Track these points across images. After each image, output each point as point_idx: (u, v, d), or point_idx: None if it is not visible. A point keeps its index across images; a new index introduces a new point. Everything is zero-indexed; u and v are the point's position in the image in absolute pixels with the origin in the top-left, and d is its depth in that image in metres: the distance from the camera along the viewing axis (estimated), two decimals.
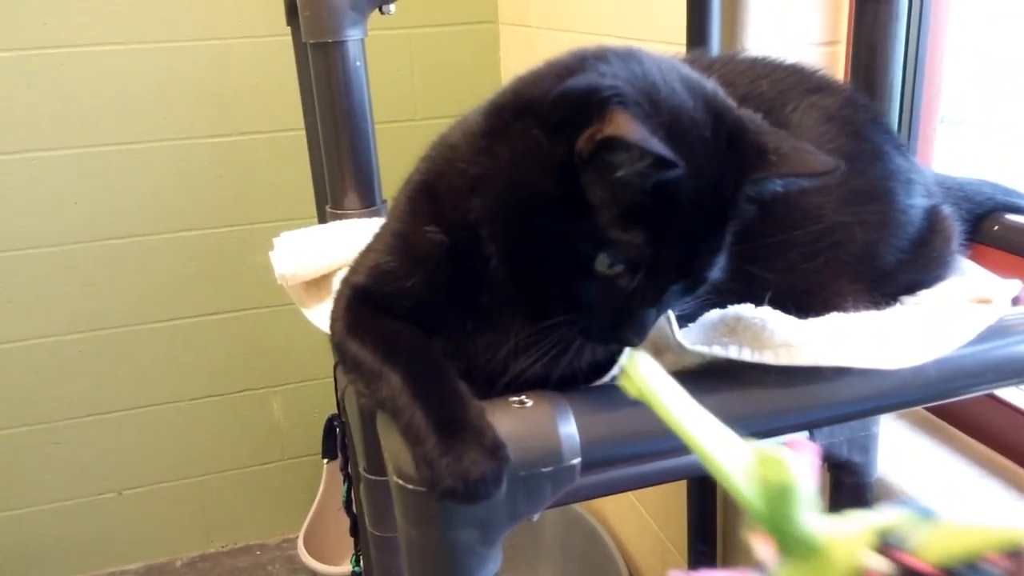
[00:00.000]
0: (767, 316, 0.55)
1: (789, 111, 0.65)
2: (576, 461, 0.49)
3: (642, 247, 0.46)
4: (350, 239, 0.76)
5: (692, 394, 0.49)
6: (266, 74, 1.82)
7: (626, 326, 0.49)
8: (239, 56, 1.81)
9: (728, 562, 1.33)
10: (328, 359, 1.77)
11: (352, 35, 0.82)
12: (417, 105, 1.93)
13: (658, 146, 0.43)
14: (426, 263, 0.54)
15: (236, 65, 1.81)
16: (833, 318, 0.56)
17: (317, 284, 0.74)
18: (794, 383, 0.52)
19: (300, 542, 1.85)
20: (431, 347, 0.53)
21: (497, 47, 1.97)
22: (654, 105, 0.47)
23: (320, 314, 0.70)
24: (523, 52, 1.86)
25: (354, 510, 1.19)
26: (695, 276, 0.50)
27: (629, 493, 1.61)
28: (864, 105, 0.70)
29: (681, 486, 1.37)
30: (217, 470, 2.04)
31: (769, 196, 0.52)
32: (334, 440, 1.22)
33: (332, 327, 0.57)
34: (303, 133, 1.91)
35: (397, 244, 0.56)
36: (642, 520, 1.61)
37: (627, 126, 0.43)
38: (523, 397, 0.50)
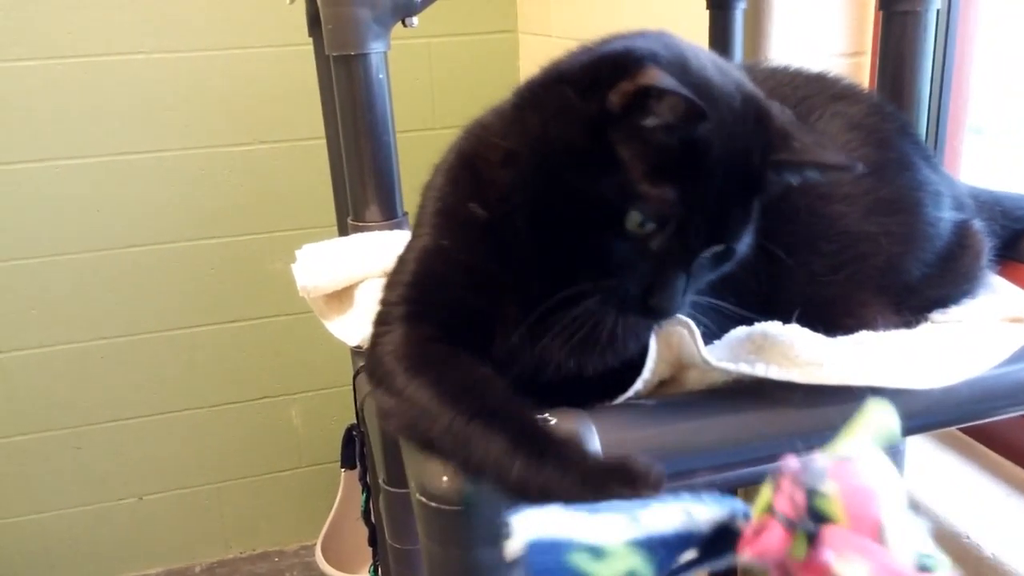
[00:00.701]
0: (794, 334, 0.54)
1: (813, 119, 0.64)
2: None
3: (673, 203, 0.46)
4: (372, 251, 0.76)
5: (717, 412, 0.48)
6: (288, 83, 1.84)
7: (657, 291, 0.48)
8: (261, 65, 1.82)
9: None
10: (347, 368, 1.76)
11: (375, 48, 0.82)
12: (436, 114, 1.94)
13: (688, 93, 0.44)
14: (470, 239, 0.54)
15: (258, 74, 1.83)
16: (862, 336, 0.55)
17: (338, 296, 0.74)
18: (822, 402, 0.51)
19: (318, 550, 1.86)
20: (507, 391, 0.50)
21: (517, 56, 1.98)
22: (685, 72, 0.48)
23: (341, 326, 0.70)
24: (543, 62, 1.86)
25: (372, 520, 1.19)
26: (725, 242, 0.50)
27: None
28: (891, 114, 0.69)
29: None
30: (236, 477, 2.05)
31: (783, 190, 0.52)
32: (353, 449, 1.21)
33: (381, 357, 0.54)
34: (324, 142, 1.93)
35: (442, 223, 0.56)
36: None
37: (660, 76, 0.44)
38: (547, 415, 0.50)
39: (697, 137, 0.46)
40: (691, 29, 1.20)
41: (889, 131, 0.66)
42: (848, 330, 0.59)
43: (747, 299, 0.56)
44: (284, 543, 2.11)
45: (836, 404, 0.51)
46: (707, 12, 1.13)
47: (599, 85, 0.47)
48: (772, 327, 0.55)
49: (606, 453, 0.48)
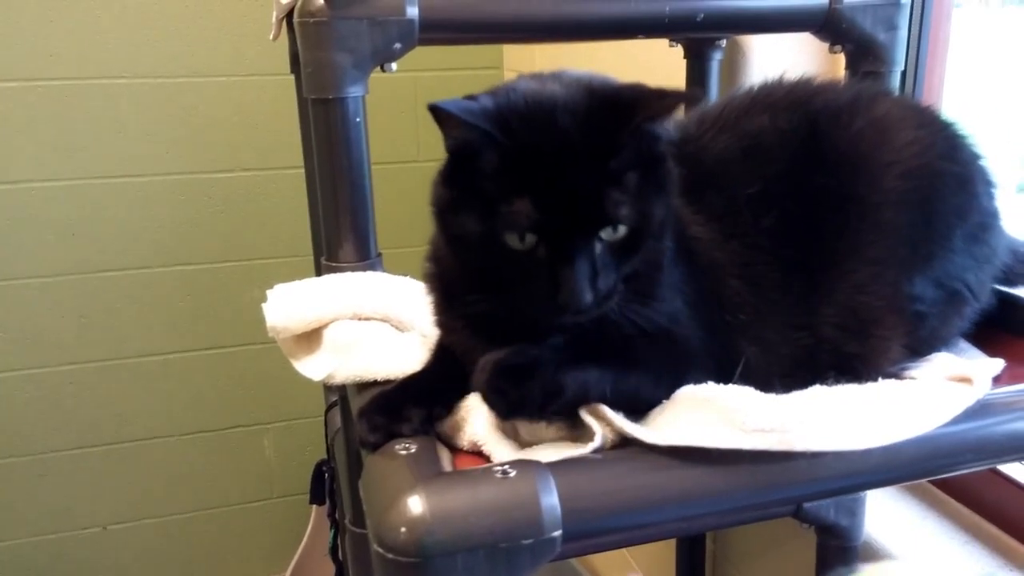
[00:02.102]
0: (742, 397, 0.55)
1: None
2: (557, 533, 0.49)
3: (531, 211, 0.52)
4: (344, 293, 0.76)
5: (673, 467, 0.50)
6: (270, 112, 1.85)
7: (563, 288, 0.53)
8: (243, 93, 1.83)
9: None
10: (321, 399, 1.75)
11: (353, 92, 0.84)
12: (420, 147, 1.95)
13: (469, 116, 0.52)
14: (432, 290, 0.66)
15: (239, 102, 1.83)
16: (814, 393, 0.57)
17: (308, 337, 0.75)
18: (772, 460, 0.52)
19: None
20: None
21: None
22: (498, 104, 0.55)
23: (310, 367, 0.70)
24: None
25: (340, 557, 1.18)
26: (607, 223, 0.53)
27: None
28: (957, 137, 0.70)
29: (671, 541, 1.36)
30: (205, 507, 2.02)
31: (661, 152, 0.57)
32: (322, 485, 1.21)
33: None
34: (298, 171, 1.93)
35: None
36: (630, 570, 1.60)
37: (447, 119, 0.53)
38: (506, 467, 0.51)
39: (520, 152, 0.53)
40: (669, 76, 1.23)
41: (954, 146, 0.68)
42: (874, 347, 0.62)
43: (736, 309, 0.60)
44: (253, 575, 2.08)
45: (787, 462, 0.53)
46: (684, 61, 1.16)
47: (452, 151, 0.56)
48: (717, 390, 0.56)
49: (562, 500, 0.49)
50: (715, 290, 0.62)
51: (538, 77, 0.59)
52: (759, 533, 1.21)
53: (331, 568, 1.43)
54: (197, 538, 2.03)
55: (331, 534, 1.19)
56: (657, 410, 0.57)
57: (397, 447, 0.54)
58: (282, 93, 1.83)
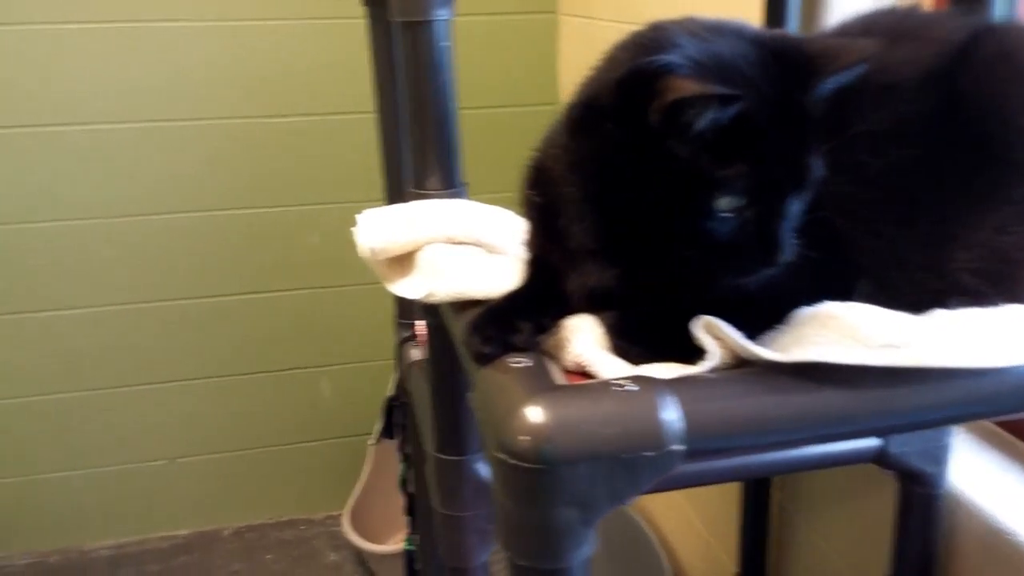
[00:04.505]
0: (864, 313, 0.53)
1: None
2: (678, 447, 0.49)
3: (749, 174, 0.51)
4: (434, 217, 0.76)
5: (786, 387, 0.49)
6: (322, 57, 1.84)
7: (771, 246, 0.53)
8: (296, 38, 1.83)
9: (780, 570, 1.32)
10: (380, 342, 1.77)
11: (440, 15, 0.82)
12: (465, 93, 1.93)
13: (716, 88, 0.48)
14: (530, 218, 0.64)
15: (292, 47, 1.83)
16: (943, 314, 0.55)
17: (400, 260, 0.75)
18: (902, 379, 0.50)
19: (345, 520, 1.88)
20: None
21: (555, 38, 1.96)
22: (711, 58, 0.51)
23: (407, 287, 0.71)
24: (583, 45, 1.85)
25: (409, 490, 1.20)
26: (806, 178, 0.53)
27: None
28: None
29: (731, 488, 1.35)
30: (265, 444, 2.08)
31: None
32: (392, 420, 1.23)
33: None
34: (357, 117, 1.93)
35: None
36: (687, 518, 1.60)
37: (682, 85, 0.48)
38: (625, 381, 0.50)
39: (740, 113, 0.50)
40: (744, 6, 1.18)
41: None
42: (1016, 291, 0.59)
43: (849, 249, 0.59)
44: (311, 512, 2.14)
45: (915, 384, 0.51)
46: None
47: (631, 110, 0.50)
48: (841, 307, 0.55)
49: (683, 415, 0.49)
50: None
51: (695, 34, 0.54)
52: (830, 481, 1.19)
53: (389, 504, 1.46)
54: (258, 473, 2.09)
55: (401, 467, 1.21)
56: (773, 333, 0.56)
57: (511, 361, 0.54)
58: (336, 37, 1.82)
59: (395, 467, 1.26)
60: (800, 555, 1.26)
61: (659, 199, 0.52)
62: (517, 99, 1.93)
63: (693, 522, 1.58)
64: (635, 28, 0.57)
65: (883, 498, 1.03)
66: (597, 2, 1.74)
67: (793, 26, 1.11)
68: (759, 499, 1.29)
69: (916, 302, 0.57)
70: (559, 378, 0.54)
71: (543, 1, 1.93)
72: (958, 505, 0.96)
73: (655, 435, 0.48)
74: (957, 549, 0.96)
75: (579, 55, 1.87)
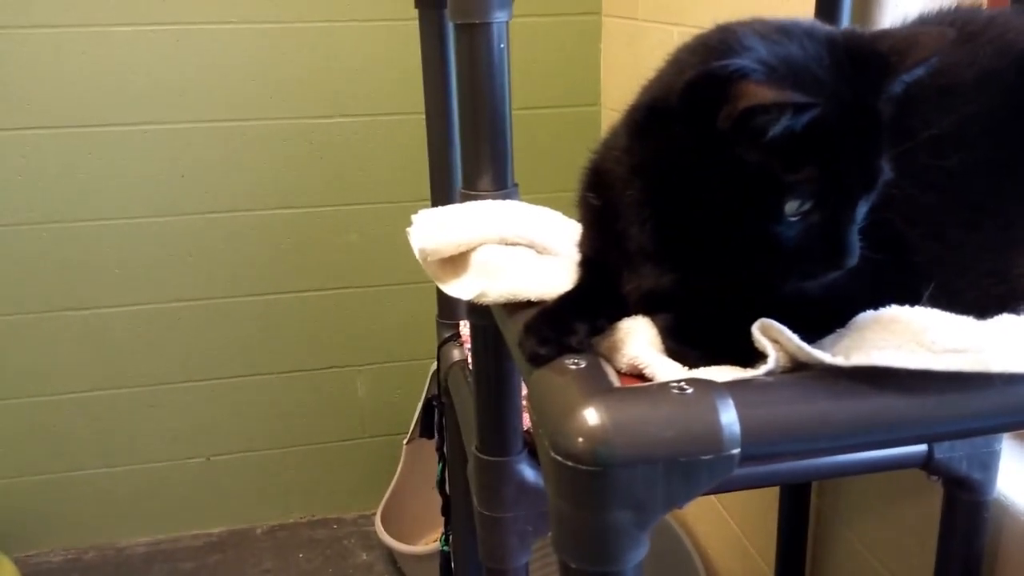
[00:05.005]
0: (929, 317, 0.53)
1: None
2: (736, 451, 0.48)
3: (819, 179, 0.50)
4: (488, 218, 0.76)
5: (846, 392, 0.48)
6: (370, 59, 1.86)
7: (839, 250, 0.52)
8: (344, 40, 1.85)
9: (818, 573, 1.30)
10: (416, 342, 1.77)
11: (499, 17, 0.82)
12: (511, 94, 1.94)
13: (792, 96, 0.47)
14: (586, 220, 0.65)
15: (340, 49, 1.85)
16: (1008, 319, 0.54)
17: (453, 261, 0.75)
18: (965, 384, 0.50)
19: (377, 519, 1.89)
20: None
21: (598, 39, 1.96)
22: (782, 62, 0.50)
23: (459, 288, 0.71)
24: (626, 46, 1.85)
25: (446, 490, 1.21)
26: (876, 181, 0.53)
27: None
28: None
29: (769, 492, 1.34)
30: (300, 443, 2.10)
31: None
32: (430, 420, 1.23)
33: None
34: (402, 118, 1.95)
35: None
36: (723, 522, 1.59)
37: (757, 92, 0.47)
38: (682, 383, 0.50)
39: (813, 119, 0.48)
40: (799, 3, 1.17)
41: None
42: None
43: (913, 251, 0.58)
44: (343, 511, 2.16)
45: (977, 389, 0.50)
46: None
47: (700, 113, 0.49)
48: (903, 311, 0.54)
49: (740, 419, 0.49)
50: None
51: (765, 36, 0.52)
52: (871, 487, 1.18)
53: (422, 504, 1.47)
54: (292, 472, 2.11)
55: (439, 468, 1.21)
56: (833, 336, 0.55)
57: (566, 362, 0.54)
58: (383, 40, 1.84)
59: (428, 467, 1.26)
60: (839, 561, 1.25)
61: (725, 203, 0.51)
62: (559, 100, 1.93)
63: (729, 525, 1.57)
64: (700, 30, 0.56)
65: (927, 504, 1.02)
66: (641, 3, 1.74)
67: (845, 19, 1.09)
68: (798, 503, 1.28)
69: (980, 307, 0.56)
70: (615, 380, 0.55)
71: (587, 2, 1.93)
72: (1005, 512, 0.94)
73: (714, 438, 0.48)
74: (1004, 558, 0.95)
75: (622, 56, 1.87)
